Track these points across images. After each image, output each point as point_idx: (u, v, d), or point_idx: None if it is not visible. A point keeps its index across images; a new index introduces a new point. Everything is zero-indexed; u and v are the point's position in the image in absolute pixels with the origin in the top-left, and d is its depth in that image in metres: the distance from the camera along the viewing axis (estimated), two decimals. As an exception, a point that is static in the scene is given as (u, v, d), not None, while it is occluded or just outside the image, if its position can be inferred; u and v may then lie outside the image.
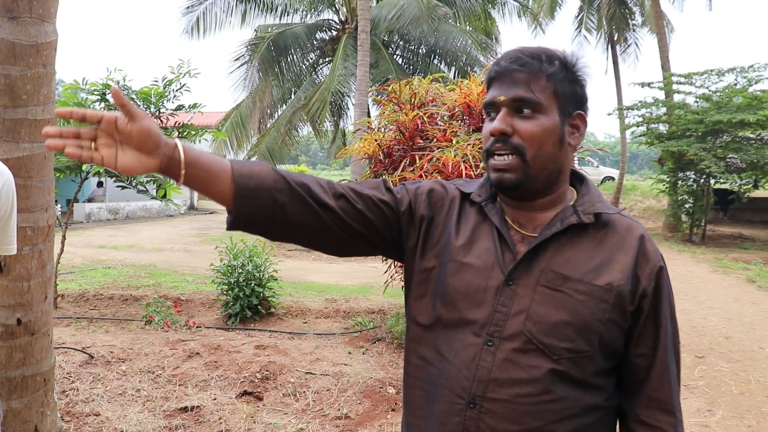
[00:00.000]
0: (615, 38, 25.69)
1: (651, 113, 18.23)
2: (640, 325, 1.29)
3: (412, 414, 1.38)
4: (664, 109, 18.01)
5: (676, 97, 18.12)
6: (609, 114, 23.36)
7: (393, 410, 4.30)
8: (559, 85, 1.28)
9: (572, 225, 1.29)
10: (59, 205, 16.72)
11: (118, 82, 6.87)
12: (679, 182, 17.90)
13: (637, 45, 26.22)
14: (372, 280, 9.80)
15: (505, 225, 1.33)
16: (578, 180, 1.41)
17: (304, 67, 19.94)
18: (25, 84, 2.34)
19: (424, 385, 1.35)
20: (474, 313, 1.28)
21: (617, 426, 1.37)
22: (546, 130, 1.26)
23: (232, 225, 1.33)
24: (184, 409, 4.22)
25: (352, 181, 1.47)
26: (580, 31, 26.71)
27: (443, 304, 1.32)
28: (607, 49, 26.22)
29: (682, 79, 17.53)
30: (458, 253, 1.33)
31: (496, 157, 1.28)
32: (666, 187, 18.20)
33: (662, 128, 17.95)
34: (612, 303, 1.25)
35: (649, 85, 18.20)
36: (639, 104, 18.21)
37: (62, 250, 7.11)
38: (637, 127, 18.66)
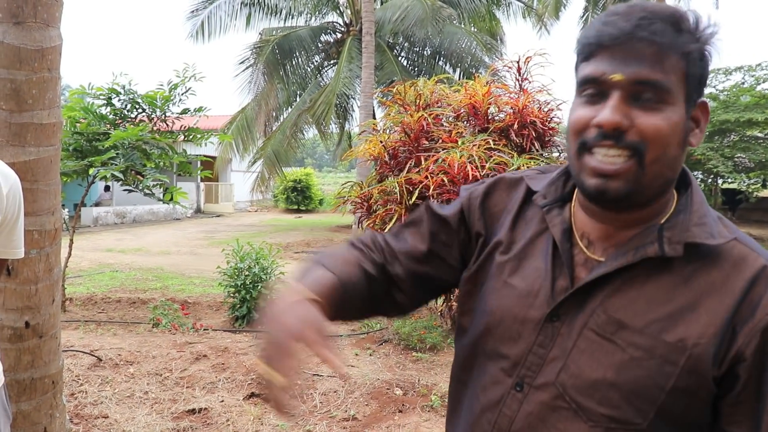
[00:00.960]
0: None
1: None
2: (735, 398, 0.93)
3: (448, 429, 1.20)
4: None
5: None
6: (615, 114, 23.32)
7: (400, 411, 4.30)
8: (689, 63, 0.92)
9: (653, 259, 0.96)
10: (66, 210, 16.81)
11: (124, 86, 6.90)
12: (687, 182, 17.87)
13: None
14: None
15: (568, 240, 1.03)
16: (683, 185, 1.03)
17: (309, 69, 19.99)
18: (30, 88, 2.36)
19: (452, 417, 1.17)
20: (508, 348, 1.03)
21: None
22: (673, 126, 0.92)
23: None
24: (192, 411, 4.23)
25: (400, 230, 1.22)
26: (585, 31, 26.73)
27: (481, 328, 1.09)
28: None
29: (688, 79, 17.51)
30: (503, 270, 1.08)
31: (601, 157, 0.93)
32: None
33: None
34: (682, 366, 0.91)
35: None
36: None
37: (70, 254, 7.14)
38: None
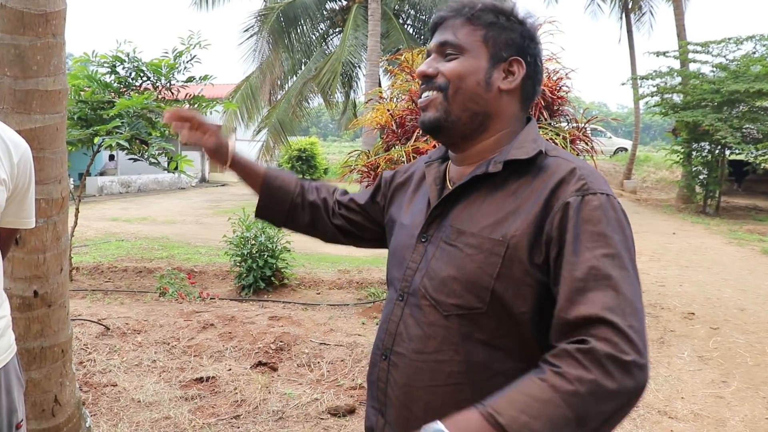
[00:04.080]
0: (629, 6, 25.26)
1: (665, 83, 17.99)
2: (554, 275, 1.09)
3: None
4: (679, 79, 17.76)
5: (692, 67, 17.88)
6: (623, 84, 23.02)
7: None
8: (489, 30, 1.26)
9: (489, 176, 1.22)
10: (71, 179, 16.80)
11: (128, 54, 6.83)
12: (694, 153, 17.74)
13: (652, 13, 25.79)
14: (385, 252, 9.80)
15: (441, 183, 1.34)
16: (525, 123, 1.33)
17: (314, 37, 19.76)
18: (35, 54, 2.31)
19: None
20: (396, 271, 1.34)
21: None
22: (467, 67, 1.24)
23: (257, 213, 1.62)
24: (200, 380, 4.25)
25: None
26: (593, -1, 26.30)
27: (388, 264, 1.41)
28: (621, 17, 25.79)
29: (699, 48, 17.26)
30: (399, 216, 1.42)
31: (421, 97, 1.30)
32: (680, 159, 18.05)
33: (677, 98, 17.73)
34: (504, 256, 1.13)
35: (664, 54, 17.94)
36: (653, 74, 17.96)
37: (76, 223, 7.14)
38: (651, 97, 18.43)
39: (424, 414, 1.18)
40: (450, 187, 1.31)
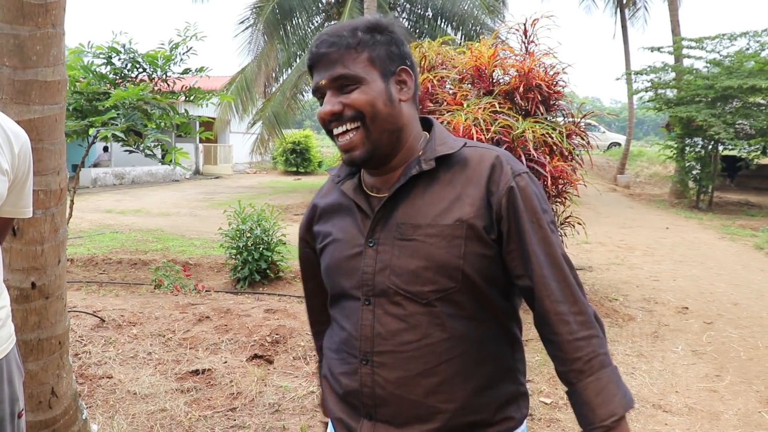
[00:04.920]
0: (624, 1, 25.28)
1: (660, 78, 18.03)
2: (508, 249, 1.31)
3: (329, 378, 1.50)
4: (673, 75, 17.81)
5: (686, 62, 17.91)
6: (617, 79, 23.21)
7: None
8: (371, 51, 1.33)
9: (423, 174, 1.34)
10: (67, 171, 16.72)
11: (124, 45, 6.79)
12: (687, 148, 17.78)
13: (646, 8, 25.86)
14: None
15: (361, 194, 1.41)
16: (428, 126, 1.45)
17: (309, 30, 19.69)
18: (34, 44, 2.29)
19: (330, 353, 1.49)
20: (348, 281, 1.39)
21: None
22: (372, 93, 1.31)
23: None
24: (196, 372, 4.25)
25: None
26: (588, -7, 26.30)
27: (328, 281, 1.47)
28: (616, 12, 25.83)
29: (693, 44, 17.30)
30: (328, 235, 1.46)
31: (339, 138, 1.34)
32: (673, 154, 18.09)
33: (671, 94, 17.78)
34: (465, 237, 1.29)
35: (658, 49, 17.96)
36: (648, 69, 17.99)
37: (70, 214, 7.10)
38: (645, 92, 18.47)
39: (425, 396, 1.31)
40: (374, 194, 1.40)
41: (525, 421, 1.46)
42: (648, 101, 18.70)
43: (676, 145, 17.89)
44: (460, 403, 1.32)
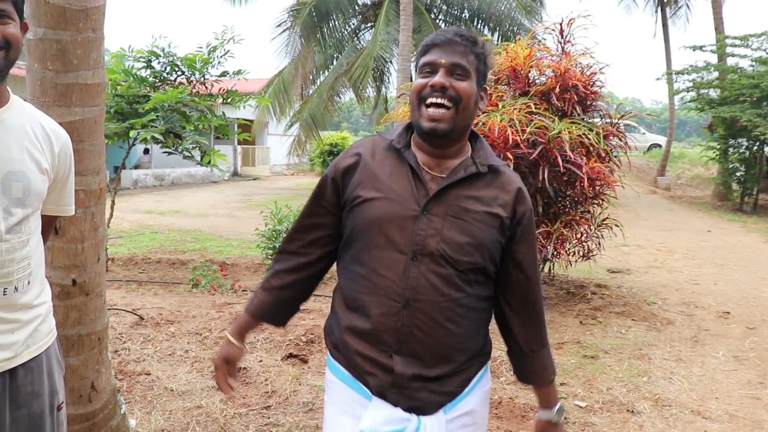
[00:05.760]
0: (665, 0, 24.83)
1: (702, 78, 17.68)
2: (517, 240, 1.72)
3: (347, 317, 1.73)
4: (716, 74, 17.44)
5: (730, 61, 17.52)
6: (657, 79, 22.87)
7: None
8: (479, 63, 1.67)
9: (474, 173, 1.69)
10: (107, 172, 17.09)
11: (163, 49, 6.92)
12: (731, 150, 17.40)
13: (688, 6, 25.31)
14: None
15: (419, 168, 1.68)
16: (474, 137, 1.78)
17: (346, 32, 19.81)
18: (75, 49, 2.36)
19: (361, 295, 1.70)
20: (399, 236, 1.64)
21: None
22: (472, 90, 1.64)
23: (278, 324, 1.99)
24: (232, 370, 4.29)
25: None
26: (628, -8, 25.89)
27: (372, 229, 1.67)
28: (657, 11, 25.36)
29: (737, 42, 16.90)
30: (380, 189, 1.68)
31: (431, 109, 1.62)
32: (716, 155, 17.72)
33: (713, 93, 17.41)
34: (498, 227, 1.67)
35: (701, 48, 17.61)
36: (689, 68, 17.66)
37: (111, 215, 7.26)
38: (687, 92, 18.14)
39: (448, 336, 1.67)
40: (430, 172, 1.69)
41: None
42: (690, 101, 18.35)
43: (719, 147, 17.52)
44: (471, 347, 1.73)
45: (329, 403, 1.82)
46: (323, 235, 1.83)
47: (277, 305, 1.89)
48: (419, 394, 1.68)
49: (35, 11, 2.29)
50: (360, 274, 1.71)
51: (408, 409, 1.68)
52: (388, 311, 1.65)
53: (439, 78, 1.62)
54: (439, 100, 1.62)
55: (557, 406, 1.83)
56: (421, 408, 1.69)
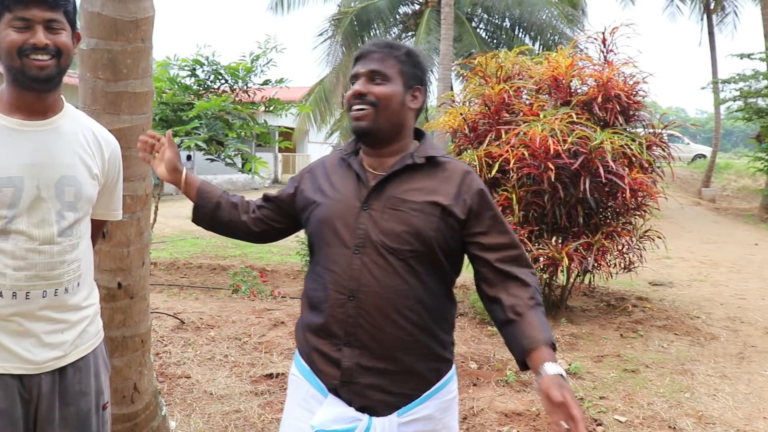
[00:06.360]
0: (711, 6, 24.35)
1: (750, 87, 17.28)
2: (475, 227, 1.75)
3: (307, 315, 1.84)
4: (765, 82, 17.02)
5: (780, 69, 17.09)
6: (702, 88, 22.28)
7: (474, 385, 4.31)
8: (403, 65, 1.79)
9: (410, 165, 1.77)
10: (152, 178, 17.39)
11: (207, 58, 7.05)
12: (780, 160, 16.96)
13: (736, 13, 24.79)
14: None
15: (362, 169, 1.81)
16: (420, 136, 1.91)
17: (386, 41, 19.86)
18: (125, 58, 2.43)
19: (316, 292, 1.80)
20: (343, 233, 1.75)
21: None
22: (389, 92, 1.76)
23: (192, 216, 2.07)
24: (270, 376, 4.35)
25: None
26: (672, 0, 25.48)
27: (322, 228, 1.80)
28: (702, 18, 24.90)
29: (789, 49, 16.49)
30: (328, 194, 1.83)
31: (354, 111, 1.78)
32: (764, 166, 17.30)
33: (762, 103, 17.00)
34: (439, 215, 1.71)
35: (749, 56, 17.23)
36: (737, 77, 17.30)
37: (155, 220, 7.39)
38: (734, 101, 17.76)
39: (395, 328, 1.71)
40: (373, 172, 1.81)
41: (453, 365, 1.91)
42: (736, 111, 17.96)
43: (767, 157, 17.10)
44: (424, 345, 1.75)
45: (289, 396, 1.92)
46: (273, 215, 2.02)
47: (211, 208, 2.03)
48: (370, 393, 1.72)
49: (88, 23, 2.37)
50: (317, 272, 1.82)
51: (360, 409, 1.72)
52: (335, 303, 1.74)
53: (357, 86, 1.78)
54: (359, 107, 1.76)
55: (558, 369, 1.57)
56: (372, 408, 1.73)
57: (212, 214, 2.03)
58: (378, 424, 1.71)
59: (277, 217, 2.02)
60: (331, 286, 1.75)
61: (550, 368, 1.54)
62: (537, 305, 1.69)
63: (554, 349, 1.62)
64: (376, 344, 1.71)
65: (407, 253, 1.70)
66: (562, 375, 1.52)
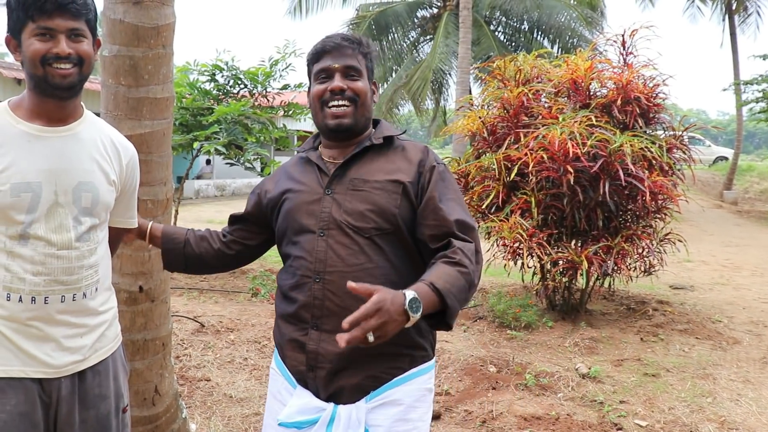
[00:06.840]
0: (733, 7, 24.06)
1: (773, 88, 17.06)
2: (426, 201, 1.77)
3: (280, 305, 1.88)
4: (788, 84, 16.81)
5: (803, 71, 16.86)
6: (724, 90, 22.06)
7: (494, 388, 4.29)
8: (367, 61, 1.87)
9: (370, 147, 1.84)
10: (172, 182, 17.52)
11: (227, 63, 7.11)
12: (803, 163, 16.71)
13: (758, 14, 24.38)
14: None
15: (321, 161, 1.88)
16: (376, 123, 1.96)
17: (405, 45, 19.92)
18: (146, 64, 2.46)
19: (286, 281, 1.85)
20: (308, 219, 1.80)
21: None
22: (365, 87, 1.84)
23: (164, 265, 2.14)
24: (289, 379, 4.35)
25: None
26: (693, 1, 25.21)
27: (288, 221, 1.85)
28: (724, 19, 24.54)
29: (810, 51, 16.26)
30: (293, 187, 1.88)
31: (334, 107, 1.81)
32: (787, 168, 17.06)
33: (785, 104, 16.78)
34: (401, 192, 1.76)
35: (772, 57, 17.01)
36: (759, 78, 17.10)
37: (175, 224, 7.46)
38: (756, 103, 17.57)
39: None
40: (333, 161, 1.87)
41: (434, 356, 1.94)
42: (759, 112, 17.76)
43: (789, 160, 16.88)
44: None
45: (268, 389, 1.97)
46: (246, 233, 2.06)
47: (181, 246, 2.07)
48: (337, 379, 1.74)
49: (110, 30, 2.40)
50: (287, 263, 1.88)
51: (328, 398, 1.74)
52: (301, 287, 1.78)
53: (337, 82, 1.80)
54: (340, 102, 1.80)
55: (414, 296, 1.49)
56: (340, 395, 1.74)
57: (183, 252, 2.05)
58: (344, 413, 1.71)
59: (249, 234, 2.06)
60: (299, 272, 1.79)
61: (408, 293, 1.48)
62: (453, 263, 1.64)
63: (439, 295, 1.53)
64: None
65: (372, 231, 1.74)
66: (408, 300, 1.46)
